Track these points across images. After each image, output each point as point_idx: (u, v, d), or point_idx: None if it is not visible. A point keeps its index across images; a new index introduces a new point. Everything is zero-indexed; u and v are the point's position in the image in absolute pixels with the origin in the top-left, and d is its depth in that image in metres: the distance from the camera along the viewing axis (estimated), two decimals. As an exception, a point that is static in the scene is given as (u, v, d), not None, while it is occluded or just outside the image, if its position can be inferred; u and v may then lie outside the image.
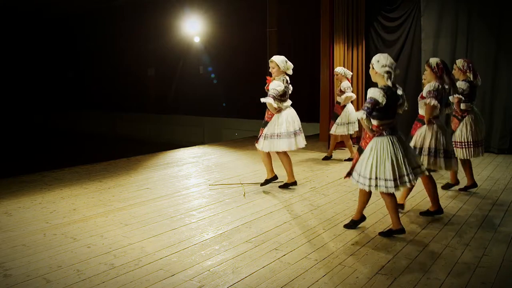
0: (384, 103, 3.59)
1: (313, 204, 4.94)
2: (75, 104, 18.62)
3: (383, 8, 8.89)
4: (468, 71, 5.10)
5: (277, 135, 5.34)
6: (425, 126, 4.34)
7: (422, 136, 4.34)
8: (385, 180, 3.63)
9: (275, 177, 5.61)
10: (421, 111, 4.42)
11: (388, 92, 3.64)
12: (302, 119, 5.81)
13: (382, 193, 3.77)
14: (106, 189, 5.62)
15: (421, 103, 4.39)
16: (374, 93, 3.62)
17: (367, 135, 3.78)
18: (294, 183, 5.66)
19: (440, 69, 4.29)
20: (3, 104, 17.75)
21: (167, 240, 3.85)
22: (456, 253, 3.53)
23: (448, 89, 4.35)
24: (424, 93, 4.30)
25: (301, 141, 5.51)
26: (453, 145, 5.05)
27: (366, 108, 3.59)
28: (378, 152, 3.66)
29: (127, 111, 16.55)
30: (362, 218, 4.12)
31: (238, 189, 5.60)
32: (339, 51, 8.72)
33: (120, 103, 16.63)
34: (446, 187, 5.50)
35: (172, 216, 4.50)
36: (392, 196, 3.79)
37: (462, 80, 5.10)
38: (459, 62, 5.17)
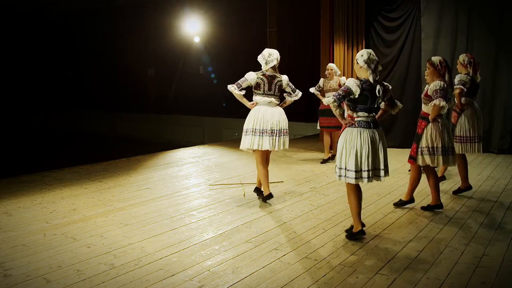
0: (357, 93, 3.60)
1: (313, 204, 4.94)
2: (75, 104, 18.62)
3: (383, 8, 8.89)
4: (468, 65, 5.10)
5: (245, 131, 4.92)
6: (430, 124, 4.35)
7: (429, 135, 4.35)
8: (347, 170, 3.67)
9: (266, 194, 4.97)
10: (425, 109, 4.43)
11: (365, 85, 3.64)
12: (302, 119, 5.77)
13: (347, 185, 3.79)
14: (106, 189, 5.62)
15: (425, 101, 4.40)
16: (349, 82, 3.66)
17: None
18: (268, 197, 4.89)
19: (443, 67, 4.35)
20: (3, 104, 17.75)
21: (167, 240, 3.84)
22: (456, 253, 3.53)
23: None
24: (429, 92, 4.31)
25: (267, 143, 4.78)
26: (455, 140, 5.07)
27: (337, 94, 3.63)
28: (347, 142, 3.69)
29: (127, 111, 16.55)
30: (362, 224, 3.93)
31: (238, 189, 5.60)
32: (339, 51, 8.73)
33: (120, 103, 16.63)
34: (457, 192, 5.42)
35: (172, 216, 4.50)
36: (358, 190, 3.79)
37: (464, 74, 5.10)
38: (462, 57, 5.18)
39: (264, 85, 4.86)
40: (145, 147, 11.51)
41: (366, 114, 3.71)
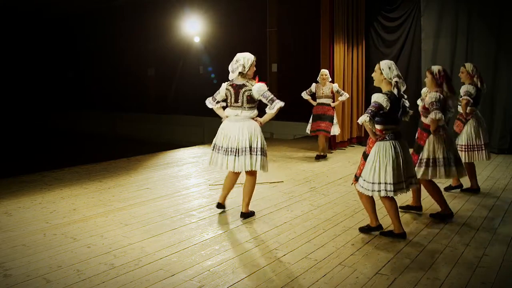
0: (388, 108, 3.62)
1: (313, 204, 4.93)
2: (75, 104, 18.61)
3: (383, 8, 8.89)
4: (476, 76, 5.11)
5: (212, 147, 4.43)
6: (432, 136, 4.30)
7: (432, 147, 4.31)
8: (385, 183, 3.65)
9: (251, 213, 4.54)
10: (425, 120, 4.36)
11: (392, 97, 3.66)
12: (302, 119, 5.69)
13: (382, 197, 3.78)
14: (106, 189, 5.62)
15: (424, 114, 4.36)
16: (378, 98, 3.65)
17: (371, 140, 3.79)
18: (249, 214, 4.46)
19: (441, 76, 4.26)
20: (3, 104, 17.74)
21: (167, 240, 3.84)
22: (456, 253, 3.53)
23: (448, 96, 4.27)
24: (426, 104, 4.26)
25: (231, 163, 4.20)
26: (461, 149, 5.07)
27: (370, 111, 3.60)
28: (381, 157, 3.69)
29: (127, 111, 16.54)
30: (379, 226, 3.98)
31: (238, 189, 5.59)
32: (339, 51, 8.71)
33: (120, 103, 16.62)
34: (448, 188, 5.45)
35: (172, 216, 4.50)
36: (392, 200, 3.79)
37: (469, 84, 5.10)
38: (469, 66, 5.15)
39: (230, 96, 4.30)
40: (145, 147, 11.50)
41: (394, 126, 3.74)
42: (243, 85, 4.24)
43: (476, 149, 5.14)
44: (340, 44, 8.74)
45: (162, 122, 15.49)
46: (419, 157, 4.36)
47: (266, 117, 4.30)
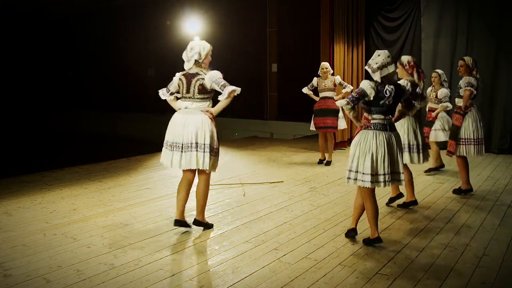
0: (372, 95, 3.52)
1: (313, 204, 4.93)
2: (75, 104, 18.62)
3: (383, 8, 8.90)
4: (475, 70, 5.10)
5: (164, 144, 4.03)
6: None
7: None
8: (363, 174, 3.55)
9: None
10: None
11: (380, 86, 3.56)
12: (302, 119, 5.65)
13: (361, 193, 3.70)
14: (106, 189, 5.62)
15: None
16: (363, 84, 3.58)
17: (358, 129, 3.73)
18: (204, 225, 4.08)
19: (411, 66, 4.44)
20: (3, 104, 17.74)
21: (167, 240, 3.84)
22: (456, 253, 3.53)
23: (418, 85, 4.37)
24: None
25: (176, 160, 3.83)
26: (459, 142, 5.06)
27: (350, 96, 3.55)
28: (361, 145, 3.59)
29: (127, 111, 16.54)
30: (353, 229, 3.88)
31: (238, 189, 5.60)
32: (339, 51, 8.71)
33: (120, 103, 16.63)
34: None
35: (172, 216, 4.49)
36: (373, 202, 3.66)
37: (470, 76, 5.07)
38: (468, 59, 5.13)
39: (182, 86, 3.92)
40: (145, 147, 11.49)
41: (382, 117, 3.60)
42: (196, 74, 3.86)
43: (474, 143, 5.10)
44: (340, 44, 8.74)
45: (162, 122, 15.48)
46: None
47: (218, 107, 3.87)
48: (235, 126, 12.83)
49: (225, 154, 8.26)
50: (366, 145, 3.56)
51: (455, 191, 5.30)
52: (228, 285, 3.01)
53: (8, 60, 17.65)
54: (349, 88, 7.03)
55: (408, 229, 4.07)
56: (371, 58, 3.68)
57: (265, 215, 4.54)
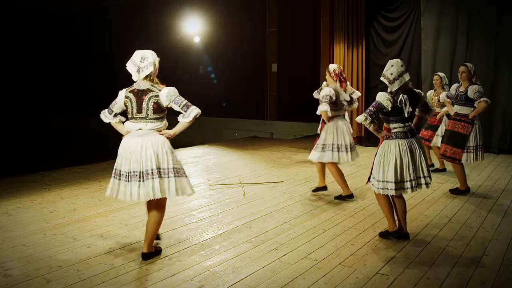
0: (390, 107, 3.60)
1: (313, 204, 4.93)
2: (75, 104, 18.62)
3: (383, 8, 8.89)
4: (475, 77, 5.10)
5: (113, 173, 3.65)
6: (327, 124, 4.98)
7: (325, 134, 4.97)
8: (387, 182, 3.64)
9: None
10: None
11: (396, 97, 3.63)
12: (302, 119, 5.68)
13: (377, 194, 3.79)
14: (106, 189, 5.59)
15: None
16: (380, 97, 3.65)
17: (381, 139, 3.79)
18: (153, 254, 3.47)
19: (336, 75, 4.89)
20: (3, 104, 17.74)
21: (167, 240, 3.84)
22: (456, 253, 3.53)
23: (340, 93, 4.90)
24: (320, 97, 4.93)
25: (135, 191, 3.34)
26: (466, 150, 5.05)
27: (368, 111, 3.61)
28: (385, 155, 3.68)
29: (127, 111, 16.54)
30: (400, 229, 3.87)
31: (238, 189, 5.60)
32: (339, 51, 8.73)
33: (120, 103, 16.62)
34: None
35: (172, 216, 4.50)
36: (386, 199, 3.77)
37: (474, 84, 5.03)
38: (471, 67, 5.09)
39: (131, 105, 3.37)
40: (145, 147, 11.48)
41: (401, 125, 3.68)
42: (148, 90, 3.33)
43: (480, 149, 5.13)
44: (340, 44, 8.75)
45: (162, 122, 15.48)
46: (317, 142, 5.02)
47: (178, 128, 3.42)
48: (235, 126, 12.84)
49: (225, 154, 8.26)
50: (390, 155, 3.66)
51: (452, 191, 5.31)
52: (228, 285, 3.01)
53: (8, 61, 17.65)
54: (356, 94, 7.09)
55: (408, 229, 4.06)
56: (385, 69, 3.75)
57: (265, 215, 4.54)
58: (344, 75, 5.02)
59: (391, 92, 3.67)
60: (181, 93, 3.45)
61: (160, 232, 4.01)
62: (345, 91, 4.98)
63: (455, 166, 5.22)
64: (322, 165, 5.26)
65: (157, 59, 3.42)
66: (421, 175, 3.72)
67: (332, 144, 4.93)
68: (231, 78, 12.80)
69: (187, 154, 8.28)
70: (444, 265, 3.31)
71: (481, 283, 3.03)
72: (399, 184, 3.64)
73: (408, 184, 3.66)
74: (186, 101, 3.37)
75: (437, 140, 6.26)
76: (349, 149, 4.97)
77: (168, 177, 3.30)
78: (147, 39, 15.10)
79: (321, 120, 5.14)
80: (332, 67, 4.98)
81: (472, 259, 3.41)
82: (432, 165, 6.55)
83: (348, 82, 5.10)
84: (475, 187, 5.53)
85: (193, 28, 13.26)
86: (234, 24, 12.63)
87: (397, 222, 3.87)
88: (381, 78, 3.77)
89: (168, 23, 14.06)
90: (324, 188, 5.40)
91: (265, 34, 12.11)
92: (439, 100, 6.24)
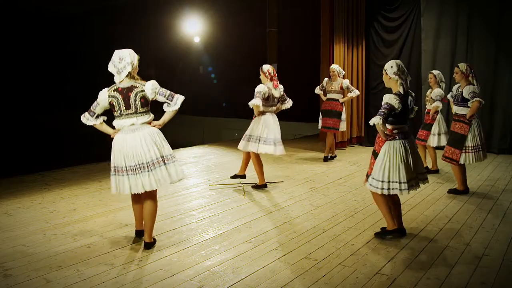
0: (399, 109, 3.64)
1: (313, 204, 4.93)
2: (75, 104, 18.62)
3: (383, 8, 8.89)
4: (471, 75, 5.09)
5: (113, 171, 3.88)
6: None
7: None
8: (400, 182, 3.66)
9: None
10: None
11: (402, 98, 3.68)
12: (302, 119, 5.74)
13: (375, 194, 3.80)
14: (106, 189, 5.62)
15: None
16: (390, 99, 3.67)
17: (380, 139, 3.79)
18: (153, 243, 3.71)
19: (269, 74, 5.28)
20: (3, 104, 17.74)
21: (167, 240, 3.84)
22: (456, 253, 3.53)
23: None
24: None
25: (146, 181, 3.58)
26: (464, 150, 5.04)
27: (382, 113, 3.62)
28: (391, 155, 3.70)
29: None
30: (400, 229, 3.91)
31: (238, 189, 5.60)
32: (339, 51, 8.71)
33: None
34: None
35: (172, 216, 4.50)
36: (385, 196, 3.78)
37: (469, 85, 5.02)
38: (462, 66, 5.11)
39: (118, 103, 3.55)
40: (145, 147, 11.48)
41: (403, 125, 3.76)
42: (133, 87, 3.53)
43: (481, 149, 5.11)
44: (340, 44, 8.74)
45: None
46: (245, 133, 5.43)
47: (166, 117, 3.67)
48: (235, 126, 12.83)
49: (225, 154, 8.26)
50: (397, 155, 3.69)
51: (451, 191, 5.31)
52: (228, 285, 3.01)
53: (9, 61, 17.66)
54: (354, 93, 7.22)
55: (408, 229, 4.07)
56: (390, 69, 3.76)
57: (265, 215, 4.54)
58: (276, 75, 5.47)
59: (399, 94, 3.69)
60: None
61: (160, 232, 4.02)
62: (275, 88, 5.45)
63: (453, 166, 5.22)
64: (247, 155, 5.62)
65: (135, 57, 3.61)
66: (422, 171, 3.86)
67: (258, 136, 5.38)
68: (231, 78, 12.80)
69: (187, 154, 8.28)
70: (444, 265, 3.31)
71: (481, 283, 3.03)
72: (410, 182, 3.69)
73: (414, 182, 3.74)
74: (169, 91, 3.65)
75: (432, 140, 6.27)
76: (277, 144, 5.39)
77: (173, 162, 3.63)
78: (147, 39, 15.13)
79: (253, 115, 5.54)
80: (266, 67, 5.43)
81: (472, 259, 3.41)
82: (426, 167, 6.45)
83: (278, 82, 5.54)
84: (475, 187, 5.53)
85: (193, 28, 13.28)
86: (234, 24, 12.63)
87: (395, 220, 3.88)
88: (397, 79, 3.72)
89: (168, 23, 14.07)
90: (243, 176, 5.77)
91: (265, 34, 12.11)
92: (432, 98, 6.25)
